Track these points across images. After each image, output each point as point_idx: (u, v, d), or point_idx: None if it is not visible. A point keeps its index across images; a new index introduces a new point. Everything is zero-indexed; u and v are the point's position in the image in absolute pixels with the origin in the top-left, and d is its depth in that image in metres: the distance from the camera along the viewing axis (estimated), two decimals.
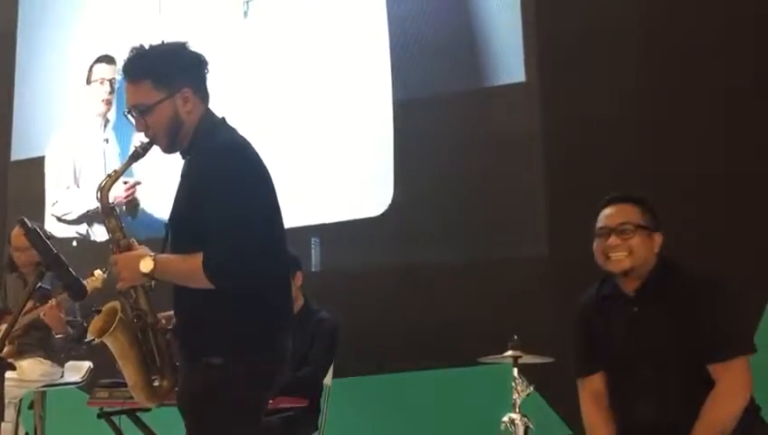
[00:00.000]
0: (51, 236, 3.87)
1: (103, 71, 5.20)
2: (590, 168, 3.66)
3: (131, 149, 2.12)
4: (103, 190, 2.06)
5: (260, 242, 1.93)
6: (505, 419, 2.05)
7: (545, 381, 3.02)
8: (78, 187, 5.15)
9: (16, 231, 3.84)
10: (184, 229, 2.03)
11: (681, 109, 3.60)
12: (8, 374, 3.70)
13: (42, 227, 2.09)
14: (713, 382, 2.04)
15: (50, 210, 5.23)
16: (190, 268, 1.92)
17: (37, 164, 5.40)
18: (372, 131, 4.36)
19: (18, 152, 5.58)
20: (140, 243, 2.11)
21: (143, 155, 2.08)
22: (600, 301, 2.21)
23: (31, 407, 4.00)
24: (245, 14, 4.80)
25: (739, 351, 2.05)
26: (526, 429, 2.05)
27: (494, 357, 2.22)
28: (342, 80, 4.48)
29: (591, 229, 2.20)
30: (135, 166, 2.15)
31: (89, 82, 5.27)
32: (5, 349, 3.75)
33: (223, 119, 2.13)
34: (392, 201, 4.23)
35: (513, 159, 3.99)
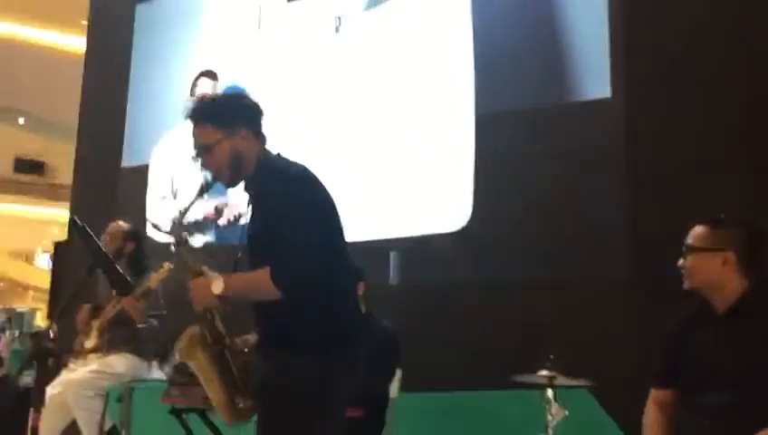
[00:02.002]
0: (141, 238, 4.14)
1: (206, 85, 5.47)
2: (675, 188, 3.51)
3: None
4: (176, 223, 2.30)
5: (323, 255, 2.08)
6: None
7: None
8: (174, 198, 5.42)
9: (115, 223, 4.12)
10: (259, 250, 2.20)
11: None
12: (96, 367, 3.96)
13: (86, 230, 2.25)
14: None
15: (149, 218, 5.53)
16: (258, 281, 2.08)
17: (144, 171, 5.74)
18: (454, 145, 4.35)
19: (128, 159, 5.96)
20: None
21: (207, 190, 2.30)
22: (694, 317, 2.24)
23: (119, 400, 4.22)
24: (337, 29, 4.92)
25: None
26: None
27: (528, 376, 2.18)
28: (426, 93, 4.50)
29: (674, 251, 2.23)
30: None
31: (192, 94, 5.56)
32: (94, 342, 4.03)
33: (279, 154, 2.31)
34: (471, 216, 4.20)
35: (596, 176, 3.87)
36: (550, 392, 2.06)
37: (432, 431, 3.92)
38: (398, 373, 3.57)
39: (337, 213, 2.27)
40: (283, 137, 4.47)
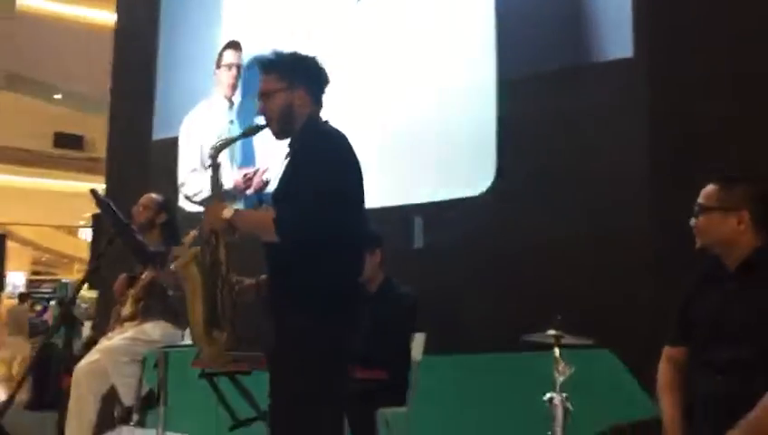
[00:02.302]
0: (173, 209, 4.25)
1: (230, 56, 5.54)
2: (698, 147, 3.48)
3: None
4: (215, 150, 2.49)
5: (330, 214, 2.17)
6: (545, 398, 2.06)
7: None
8: (204, 169, 5.49)
9: (147, 194, 4.25)
10: (280, 201, 2.33)
11: None
12: (131, 334, 4.12)
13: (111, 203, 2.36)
14: None
15: (181, 190, 5.65)
16: (262, 220, 2.24)
17: (175, 144, 5.85)
18: (476, 110, 4.35)
19: (159, 132, 6.08)
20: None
21: (255, 133, 2.53)
22: (706, 275, 2.28)
23: (156, 366, 4.38)
24: None
25: None
26: (567, 410, 2.04)
27: (538, 335, 2.24)
28: (447, 58, 4.50)
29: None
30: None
31: (218, 66, 5.63)
32: (130, 310, 4.18)
33: (327, 121, 2.45)
34: (494, 180, 4.22)
35: (619, 136, 3.84)
36: (557, 351, 2.11)
37: (456, 392, 4.01)
38: (422, 336, 3.64)
39: (361, 182, 2.37)
40: None
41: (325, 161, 2.27)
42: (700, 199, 2.24)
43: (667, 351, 2.31)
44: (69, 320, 2.17)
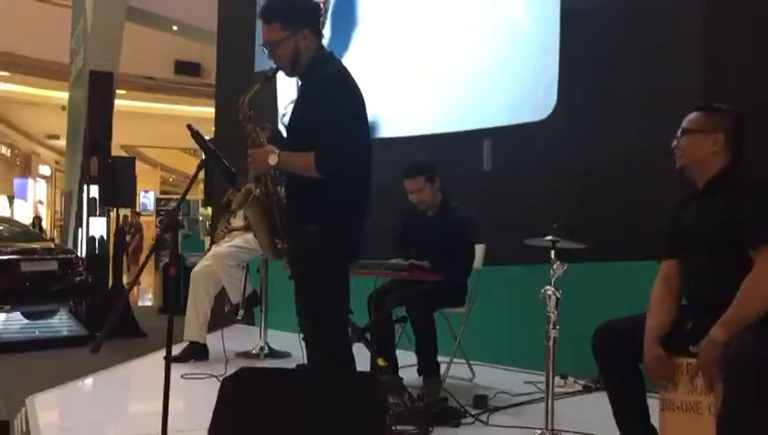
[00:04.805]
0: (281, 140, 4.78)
1: None
2: (751, 80, 3.64)
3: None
4: (243, 101, 2.69)
5: (354, 149, 2.55)
6: (542, 290, 2.48)
7: None
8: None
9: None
10: (299, 134, 2.68)
11: None
12: (238, 243, 4.78)
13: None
14: None
15: (281, 121, 6.18)
16: (305, 162, 2.57)
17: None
18: (540, 40, 4.62)
19: (261, 64, 6.62)
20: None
21: (272, 78, 2.72)
22: (686, 196, 2.51)
23: (258, 271, 5.07)
24: None
25: None
26: (557, 299, 2.47)
27: (536, 240, 2.63)
28: None
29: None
30: None
31: None
32: (240, 223, 4.84)
33: (331, 53, 2.73)
34: (556, 106, 4.52)
35: (674, 68, 4.03)
36: (553, 253, 2.52)
37: (511, 298, 4.46)
38: (482, 248, 4.09)
39: (366, 112, 2.66)
40: (391, 41, 4.92)
41: (341, 101, 2.52)
42: (684, 124, 2.43)
43: (663, 266, 2.50)
44: (174, 224, 2.70)
